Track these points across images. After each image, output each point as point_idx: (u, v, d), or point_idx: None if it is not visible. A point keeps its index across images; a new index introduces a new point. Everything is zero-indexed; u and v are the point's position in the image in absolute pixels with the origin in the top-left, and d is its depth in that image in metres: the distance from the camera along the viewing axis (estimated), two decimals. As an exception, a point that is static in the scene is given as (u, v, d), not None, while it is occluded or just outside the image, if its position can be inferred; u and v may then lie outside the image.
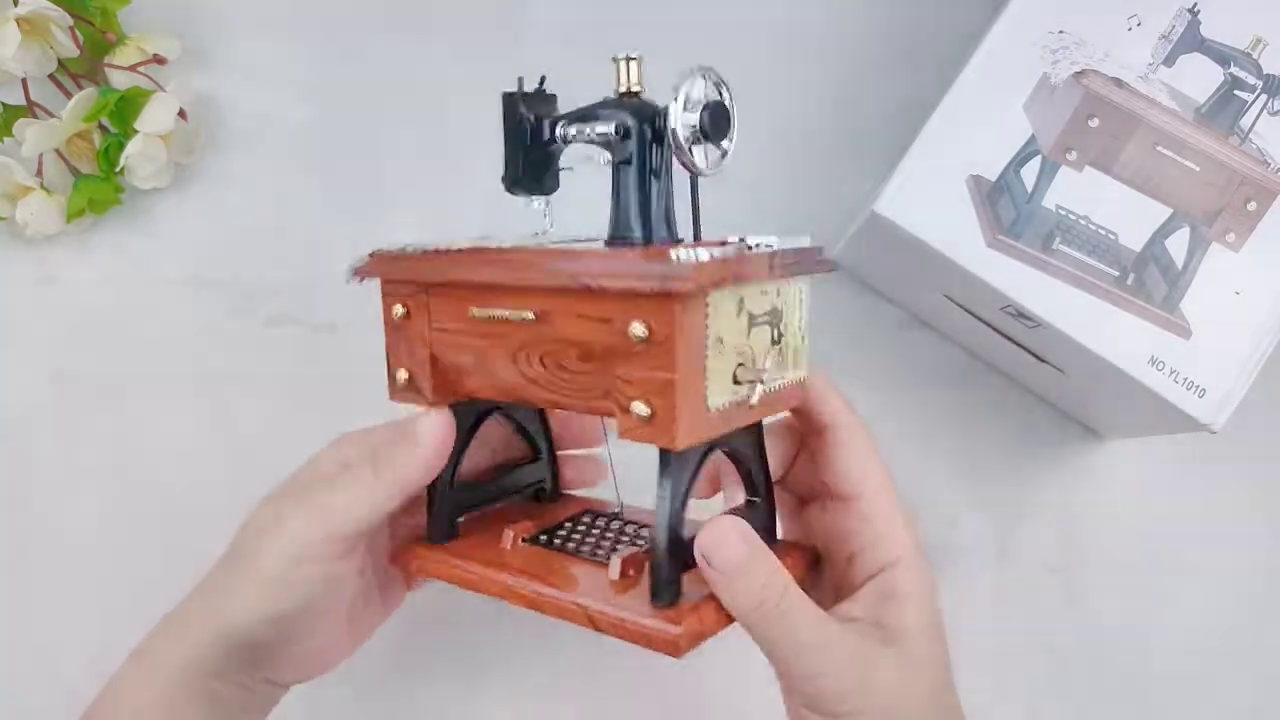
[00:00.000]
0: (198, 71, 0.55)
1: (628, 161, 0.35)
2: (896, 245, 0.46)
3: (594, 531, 0.40)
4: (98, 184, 0.52)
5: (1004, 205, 0.45)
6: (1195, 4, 0.46)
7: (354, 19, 0.56)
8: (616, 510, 0.42)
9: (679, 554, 0.33)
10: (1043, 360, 0.50)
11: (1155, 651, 0.55)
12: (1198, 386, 0.45)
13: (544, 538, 0.39)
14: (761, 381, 0.33)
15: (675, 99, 0.34)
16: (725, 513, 0.36)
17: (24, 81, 0.52)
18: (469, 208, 0.55)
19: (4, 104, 0.52)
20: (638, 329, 0.31)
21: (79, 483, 0.52)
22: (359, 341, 0.54)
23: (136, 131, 0.51)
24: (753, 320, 0.33)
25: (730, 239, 0.34)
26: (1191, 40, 0.46)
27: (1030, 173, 0.45)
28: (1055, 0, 0.46)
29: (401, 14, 0.56)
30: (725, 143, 0.36)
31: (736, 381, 0.33)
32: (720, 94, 0.36)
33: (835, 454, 0.36)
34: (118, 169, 0.52)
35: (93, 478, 0.52)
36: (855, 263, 0.55)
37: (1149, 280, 0.45)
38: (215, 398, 0.53)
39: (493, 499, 0.41)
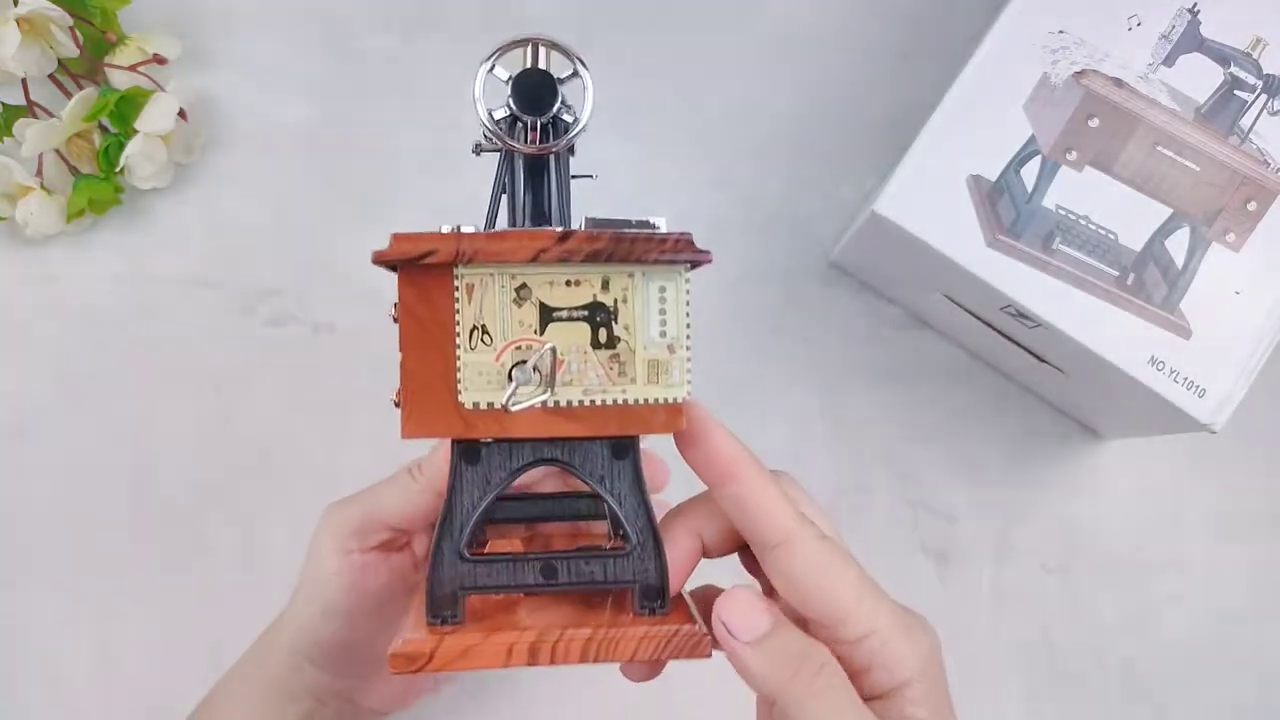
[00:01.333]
0: (198, 71, 0.55)
1: (496, 150, 0.33)
2: (896, 245, 0.46)
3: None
4: (98, 184, 0.52)
5: (1004, 205, 0.45)
6: (1195, 4, 0.46)
7: (355, 18, 0.56)
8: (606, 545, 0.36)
9: (451, 574, 0.30)
10: (1042, 360, 0.50)
11: (1154, 651, 0.55)
12: (1198, 386, 0.45)
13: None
14: (550, 386, 0.29)
15: (475, 81, 0.31)
16: (583, 550, 0.32)
17: (24, 81, 0.52)
18: (470, 206, 0.55)
19: (4, 104, 0.52)
20: (392, 307, 0.30)
21: (78, 482, 0.52)
22: (359, 342, 0.54)
23: (136, 131, 0.51)
24: (548, 313, 0.29)
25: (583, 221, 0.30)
26: (1191, 40, 0.47)
27: (1030, 172, 0.45)
28: (1055, 0, 0.46)
29: (403, 12, 0.56)
30: (560, 112, 0.31)
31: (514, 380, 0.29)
32: (536, 60, 0.31)
33: (790, 570, 0.30)
34: (118, 169, 0.52)
35: (92, 477, 0.52)
36: (855, 262, 0.55)
37: (1149, 280, 0.45)
38: (215, 398, 0.53)
39: (535, 516, 0.38)
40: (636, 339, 0.30)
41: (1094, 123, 0.46)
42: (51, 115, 0.52)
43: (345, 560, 0.38)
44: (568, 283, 0.29)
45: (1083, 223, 0.45)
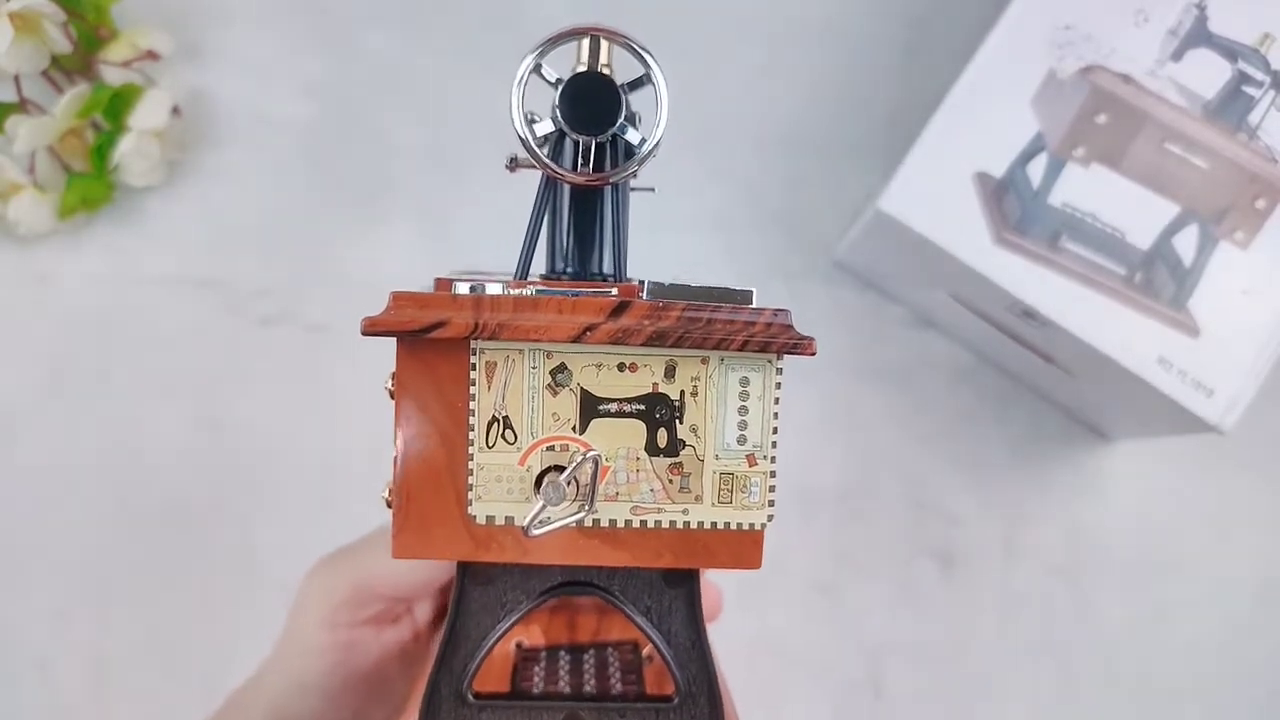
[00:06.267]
0: (192, 67, 0.54)
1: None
2: (901, 243, 0.46)
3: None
4: (90, 182, 0.52)
5: (1010, 202, 0.45)
6: (1203, -1, 0.46)
7: (351, 12, 0.56)
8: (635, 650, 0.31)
9: (449, 710, 0.25)
10: (1049, 360, 0.49)
11: (1162, 654, 0.54)
12: (1205, 386, 0.44)
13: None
14: (587, 502, 0.23)
15: (515, 83, 0.24)
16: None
17: (16, 78, 0.51)
18: (467, 206, 0.54)
19: (-4, 101, 0.52)
20: (389, 378, 0.24)
21: (71, 483, 0.52)
22: (354, 342, 0.54)
23: (130, 128, 0.50)
24: (592, 405, 0.23)
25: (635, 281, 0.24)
26: (1199, 35, 0.46)
27: (1037, 169, 0.45)
28: (1061, -5, 0.46)
29: (400, 7, 0.56)
30: (622, 131, 0.25)
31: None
32: (597, 61, 0.25)
33: None
34: (111, 166, 0.51)
35: (85, 478, 0.52)
36: (860, 261, 0.54)
37: (1157, 279, 0.45)
38: (208, 397, 0.53)
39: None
40: (707, 445, 0.24)
41: (1101, 119, 0.45)
42: (44, 112, 0.51)
43: (331, 637, 0.33)
44: (620, 366, 0.23)
45: (1090, 220, 0.45)
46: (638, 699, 0.27)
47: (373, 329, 0.22)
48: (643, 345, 0.22)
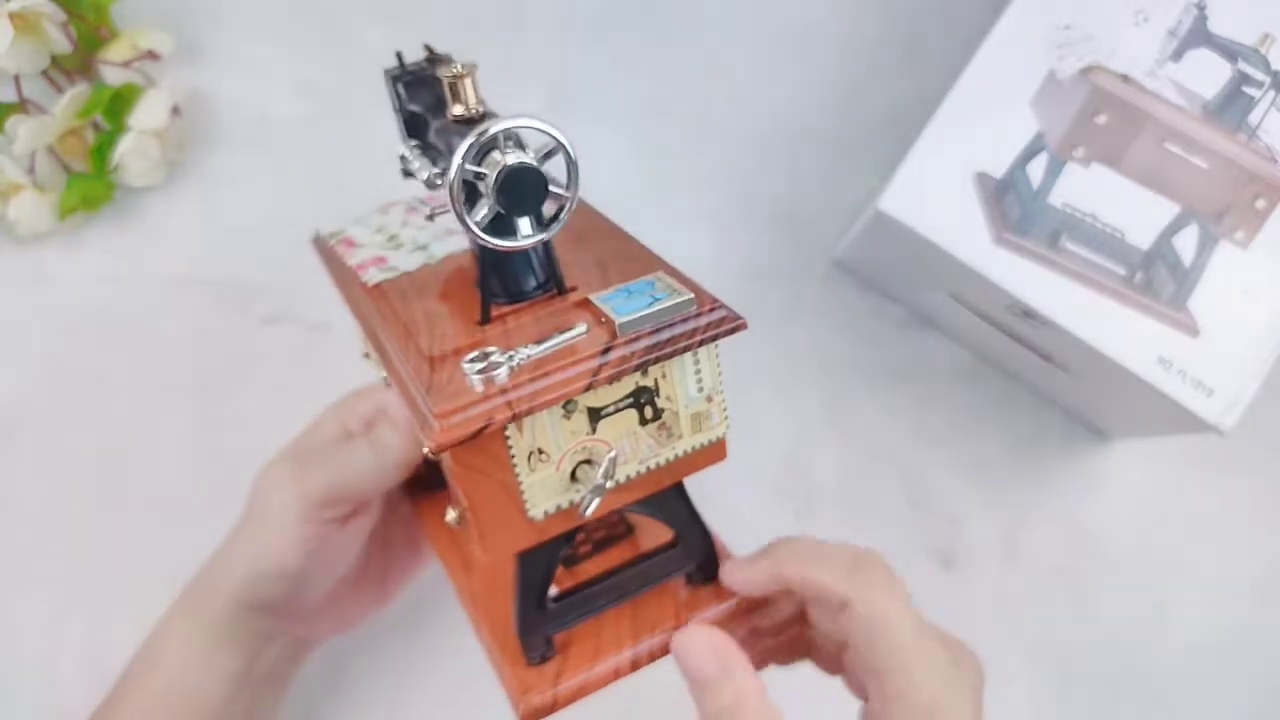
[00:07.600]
0: (191, 67, 0.54)
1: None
2: (901, 243, 0.46)
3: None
4: (90, 181, 0.52)
5: (1010, 202, 0.45)
6: (1202, -1, 0.46)
7: (350, 12, 0.56)
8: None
9: (537, 626, 0.33)
10: (1049, 360, 0.49)
11: (1161, 653, 0.54)
12: (1205, 386, 0.44)
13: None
14: (611, 478, 0.29)
15: (451, 184, 0.27)
16: (657, 553, 0.35)
17: (16, 78, 0.51)
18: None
19: (-4, 101, 0.52)
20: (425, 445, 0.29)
21: (71, 482, 0.52)
22: (353, 341, 0.54)
23: (129, 128, 0.50)
24: (596, 414, 0.29)
25: (572, 325, 0.29)
26: (1199, 35, 0.46)
27: (1037, 169, 0.45)
28: (1061, -5, 0.46)
29: (399, 6, 0.56)
30: (547, 209, 0.29)
31: (576, 479, 0.30)
32: (522, 148, 0.28)
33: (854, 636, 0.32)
34: (110, 166, 0.51)
35: (85, 477, 0.52)
36: (859, 261, 0.54)
37: (1157, 278, 0.45)
38: (209, 397, 0.52)
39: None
40: (679, 403, 0.31)
41: (1101, 119, 0.45)
42: (44, 112, 0.51)
43: (309, 530, 0.38)
44: (609, 380, 0.29)
45: (1090, 220, 0.45)
46: (652, 552, 0.35)
47: (441, 449, 0.27)
48: (602, 385, 0.28)
